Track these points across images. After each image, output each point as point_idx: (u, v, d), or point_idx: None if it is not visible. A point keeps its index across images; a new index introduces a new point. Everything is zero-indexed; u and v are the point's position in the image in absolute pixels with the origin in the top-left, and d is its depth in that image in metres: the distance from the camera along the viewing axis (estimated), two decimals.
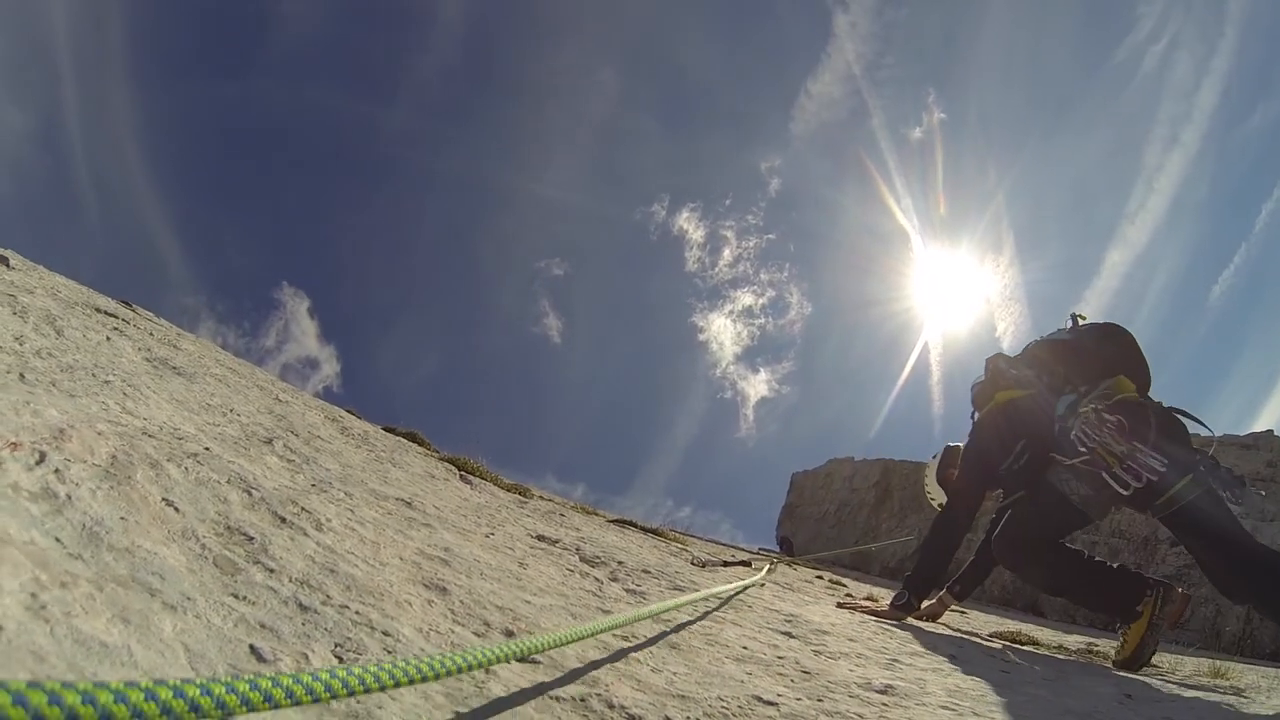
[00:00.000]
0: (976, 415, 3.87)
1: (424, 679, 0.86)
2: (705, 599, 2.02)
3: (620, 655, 1.67)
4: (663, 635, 1.97)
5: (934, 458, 4.35)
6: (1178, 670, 3.16)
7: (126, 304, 4.46)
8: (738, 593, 2.32)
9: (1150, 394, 3.38)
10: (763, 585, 3.71)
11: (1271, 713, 2.15)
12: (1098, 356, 3.38)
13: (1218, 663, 3.49)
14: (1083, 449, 3.07)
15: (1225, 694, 2.53)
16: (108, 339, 2.86)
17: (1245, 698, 2.47)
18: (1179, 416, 3.15)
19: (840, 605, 3.74)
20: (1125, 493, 2.97)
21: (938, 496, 4.24)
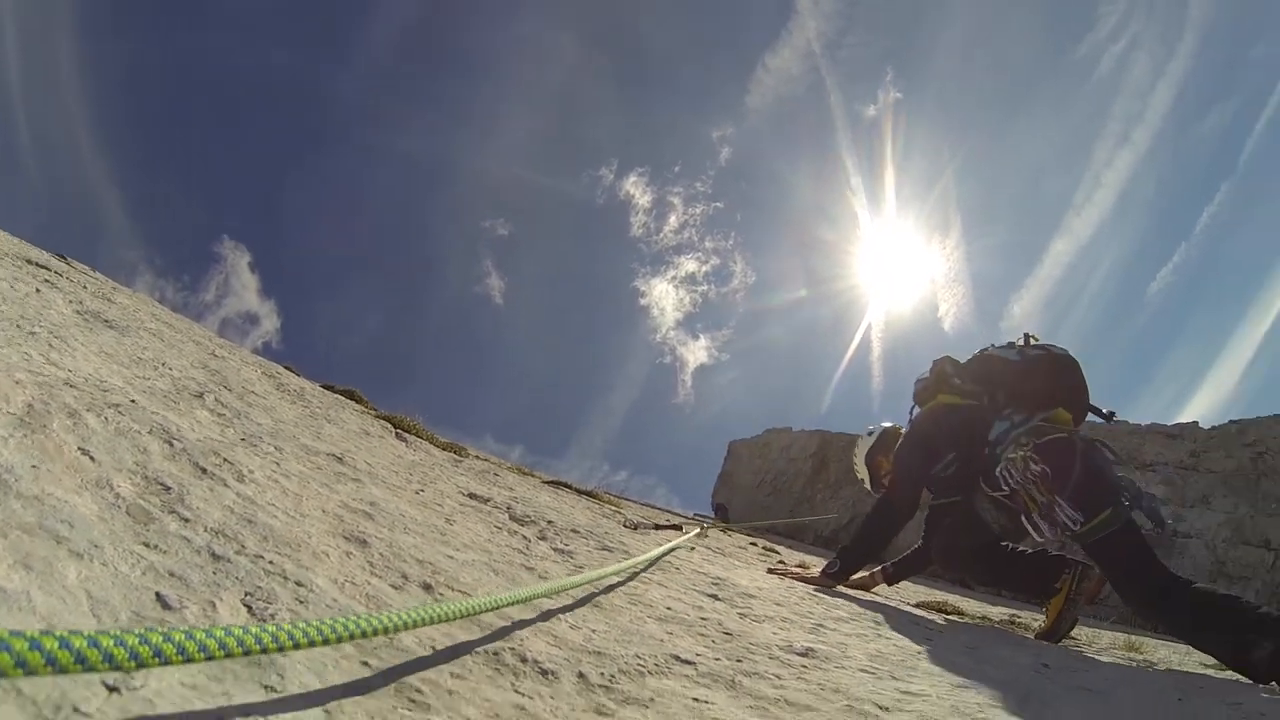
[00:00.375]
0: (916, 410, 3.98)
1: (330, 641, 0.88)
2: (634, 566, 2.05)
3: (540, 612, 1.70)
4: (590, 596, 2.00)
5: (868, 434, 4.43)
6: (1095, 643, 3.32)
7: (61, 257, 4.33)
8: (664, 554, 2.36)
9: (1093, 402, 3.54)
10: (692, 549, 3.78)
11: (1171, 691, 2.23)
12: (1042, 387, 3.46)
13: (1133, 638, 3.67)
14: (1005, 488, 3.20)
15: (1139, 666, 2.64)
16: (37, 290, 2.79)
17: (1156, 670, 2.58)
18: (1104, 447, 3.27)
19: (771, 571, 3.84)
20: (1039, 539, 3.14)
21: (864, 476, 4.39)
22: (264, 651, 0.80)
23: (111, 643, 0.67)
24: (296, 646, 0.84)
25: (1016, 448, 3.23)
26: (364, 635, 0.93)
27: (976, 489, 3.45)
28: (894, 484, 3.92)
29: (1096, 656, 2.80)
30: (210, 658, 0.75)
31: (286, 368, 4.18)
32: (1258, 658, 2.44)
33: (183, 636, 0.72)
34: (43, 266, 3.38)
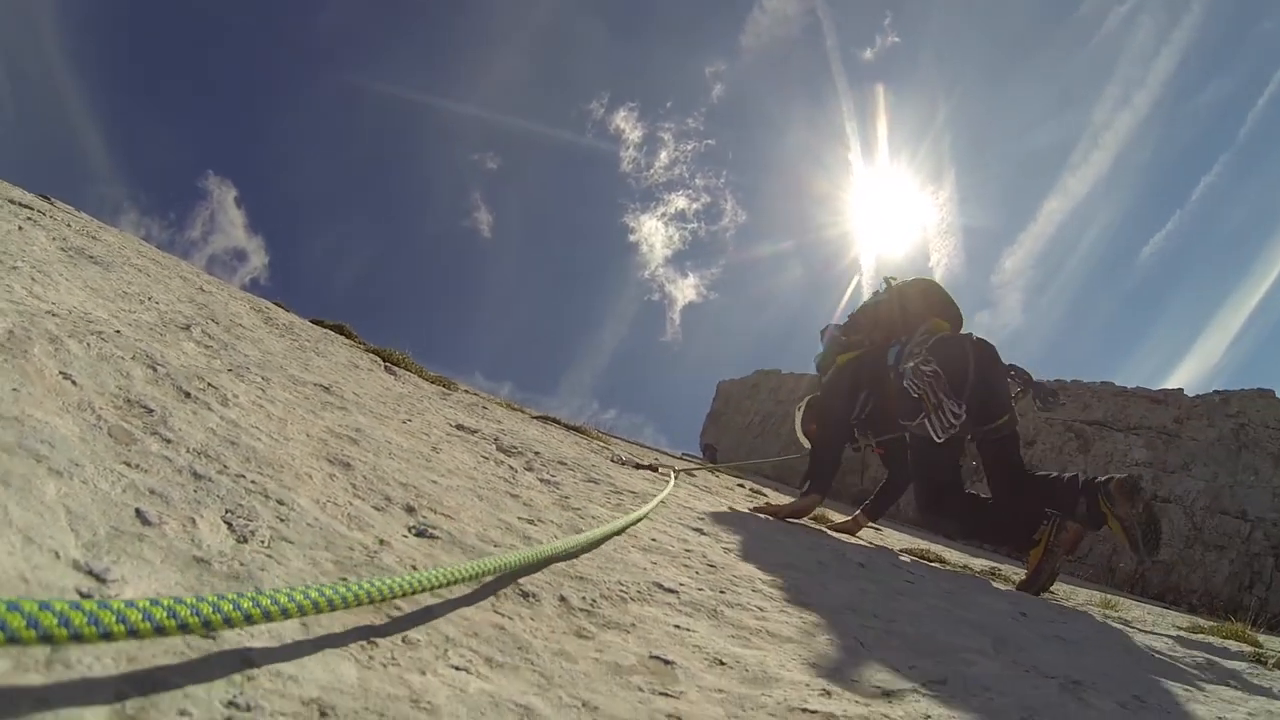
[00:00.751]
0: (824, 379, 4.38)
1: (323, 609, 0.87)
2: (620, 525, 2.07)
3: (522, 538, 1.71)
4: (572, 525, 2.02)
5: (799, 407, 4.72)
6: (1072, 599, 3.40)
7: (45, 197, 4.26)
8: (650, 510, 2.38)
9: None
10: (678, 475, 3.91)
11: (1147, 644, 2.28)
12: (912, 306, 3.93)
13: (1109, 596, 3.78)
14: (914, 395, 3.51)
15: (1114, 623, 2.69)
16: (19, 228, 2.74)
17: (1131, 628, 2.62)
18: (990, 345, 3.66)
19: (754, 510, 3.98)
20: (938, 439, 3.42)
21: (806, 444, 4.63)
22: (228, 625, 0.78)
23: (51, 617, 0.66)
24: (269, 619, 0.83)
25: (911, 358, 3.60)
26: (345, 605, 0.92)
27: (902, 421, 3.71)
28: (819, 430, 4.27)
29: (1074, 610, 2.86)
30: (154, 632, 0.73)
31: (276, 304, 4.15)
32: (1080, 515, 3.17)
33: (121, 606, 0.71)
34: (25, 206, 3.32)
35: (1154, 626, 2.93)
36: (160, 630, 0.70)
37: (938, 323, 3.81)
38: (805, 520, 3.98)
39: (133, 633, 0.69)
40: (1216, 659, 2.22)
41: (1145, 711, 1.57)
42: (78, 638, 0.65)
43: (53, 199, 4.35)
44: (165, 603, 0.72)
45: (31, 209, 3.31)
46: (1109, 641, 2.28)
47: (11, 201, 3.25)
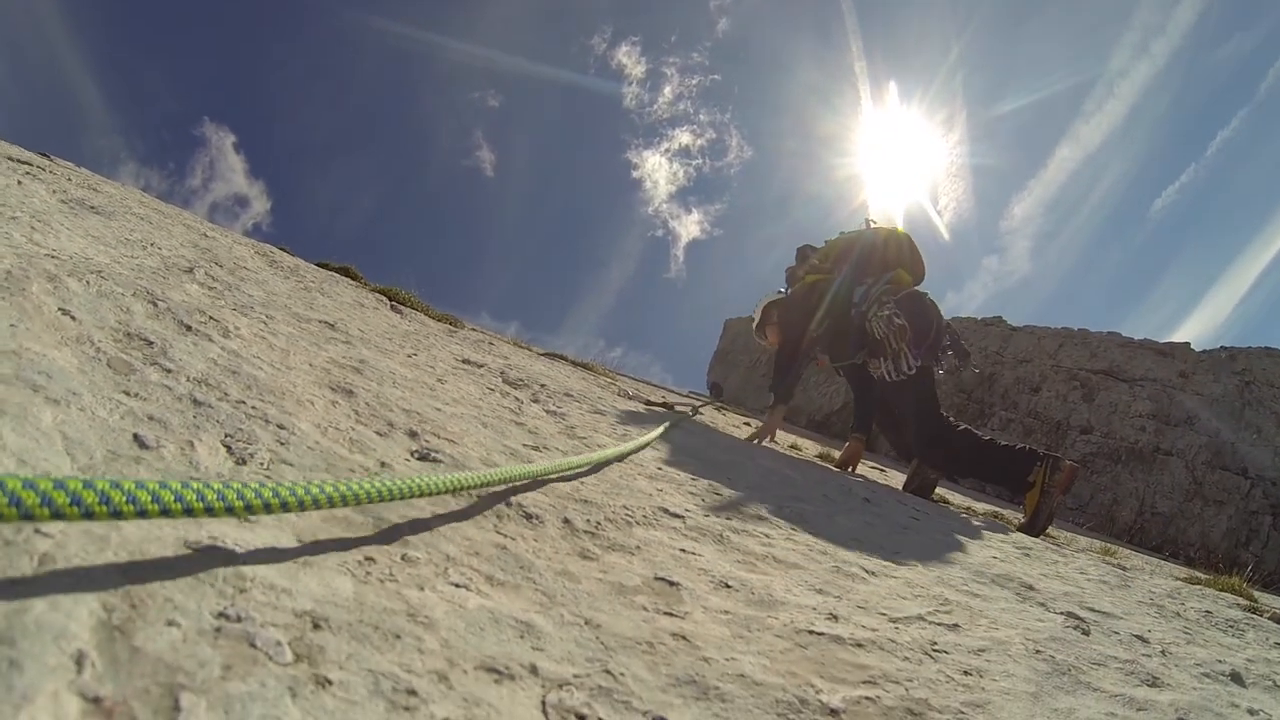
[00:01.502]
0: (789, 290, 4.89)
1: (322, 505, 0.87)
2: (635, 446, 2.09)
3: (527, 463, 1.71)
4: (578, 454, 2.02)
5: (758, 308, 5.25)
6: (1072, 544, 3.45)
7: (44, 155, 4.22)
8: (656, 437, 2.41)
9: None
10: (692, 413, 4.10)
11: (1148, 589, 2.32)
12: (882, 254, 4.36)
13: (1108, 545, 3.87)
14: (877, 337, 4.03)
15: (1113, 568, 2.73)
16: (19, 183, 2.72)
17: (1131, 573, 2.65)
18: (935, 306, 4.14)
19: (749, 439, 4.32)
20: (889, 380, 3.99)
21: (761, 341, 5.31)
22: (209, 513, 0.78)
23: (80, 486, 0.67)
24: (269, 510, 0.84)
25: (880, 306, 4.06)
26: (344, 502, 0.92)
27: (862, 351, 4.23)
28: (781, 342, 4.75)
29: (1074, 553, 2.91)
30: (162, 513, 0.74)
31: (280, 248, 4.14)
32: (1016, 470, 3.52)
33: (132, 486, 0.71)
34: (24, 162, 3.29)
35: (1152, 575, 2.97)
36: (142, 513, 0.70)
37: (901, 274, 4.25)
38: (813, 458, 4.23)
39: (115, 514, 0.69)
40: (1213, 608, 2.27)
41: (1147, 648, 1.59)
42: (59, 516, 0.65)
43: (52, 156, 4.32)
44: (150, 486, 0.72)
45: (30, 165, 3.28)
46: (1110, 584, 2.32)
47: (9, 159, 3.22)
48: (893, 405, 4.30)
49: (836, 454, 4.97)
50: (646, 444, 2.25)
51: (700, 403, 6.05)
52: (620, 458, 2.00)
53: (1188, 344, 14.95)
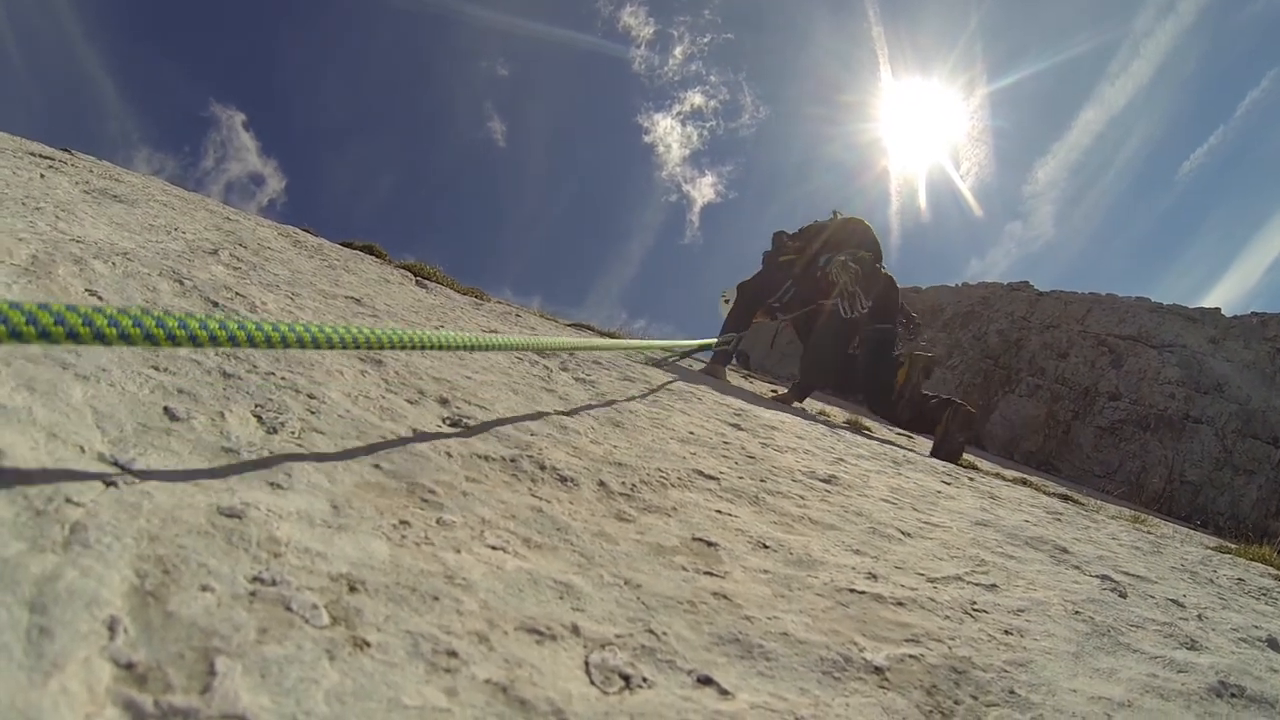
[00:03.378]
0: (764, 267, 5.50)
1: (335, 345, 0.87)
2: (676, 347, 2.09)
3: (559, 428, 1.69)
4: (611, 404, 2.00)
5: (727, 295, 5.74)
6: (1102, 511, 3.45)
7: (66, 150, 4.25)
8: (698, 349, 2.43)
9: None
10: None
11: (1179, 556, 2.30)
12: (847, 239, 5.09)
13: (1137, 513, 3.90)
14: (835, 280, 4.80)
15: (1144, 534, 2.70)
16: (41, 176, 2.73)
17: (1160, 542, 2.62)
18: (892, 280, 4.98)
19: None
20: (845, 316, 4.76)
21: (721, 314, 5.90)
22: (252, 344, 0.80)
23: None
24: (286, 345, 0.85)
25: (840, 259, 4.85)
26: (374, 345, 0.92)
27: (820, 309, 4.97)
28: (734, 305, 5.39)
29: (1105, 519, 2.91)
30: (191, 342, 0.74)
31: (304, 229, 4.14)
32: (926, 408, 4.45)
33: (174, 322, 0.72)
34: (45, 157, 3.30)
35: (1183, 543, 2.94)
36: (150, 339, 0.71)
37: (863, 255, 4.95)
38: (841, 424, 4.44)
39: (124, 337, 0.69)
40: (1245, 576, 2.27)
41: (1183, 612, 1.58)
42: (73, 337, 0.65)
43: (73, 150, 4.35)
44: (156, 314, 0.73)
45: (52, 159, 3.30)
46: (1142, 549, 2.32)
47: (31, 154, 3.23)
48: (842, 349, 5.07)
49: (866, 420, 5.57)
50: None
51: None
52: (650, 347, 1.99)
53: (1218, 309, 14.68)
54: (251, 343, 0.84)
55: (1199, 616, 1.59)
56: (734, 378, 5.48)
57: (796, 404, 4.99)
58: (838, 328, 4.88)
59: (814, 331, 5.11)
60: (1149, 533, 2.91)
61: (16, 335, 0.63)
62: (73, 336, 0.67)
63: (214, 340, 0.80)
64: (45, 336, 0.65)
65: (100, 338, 0.70)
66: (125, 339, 0.72)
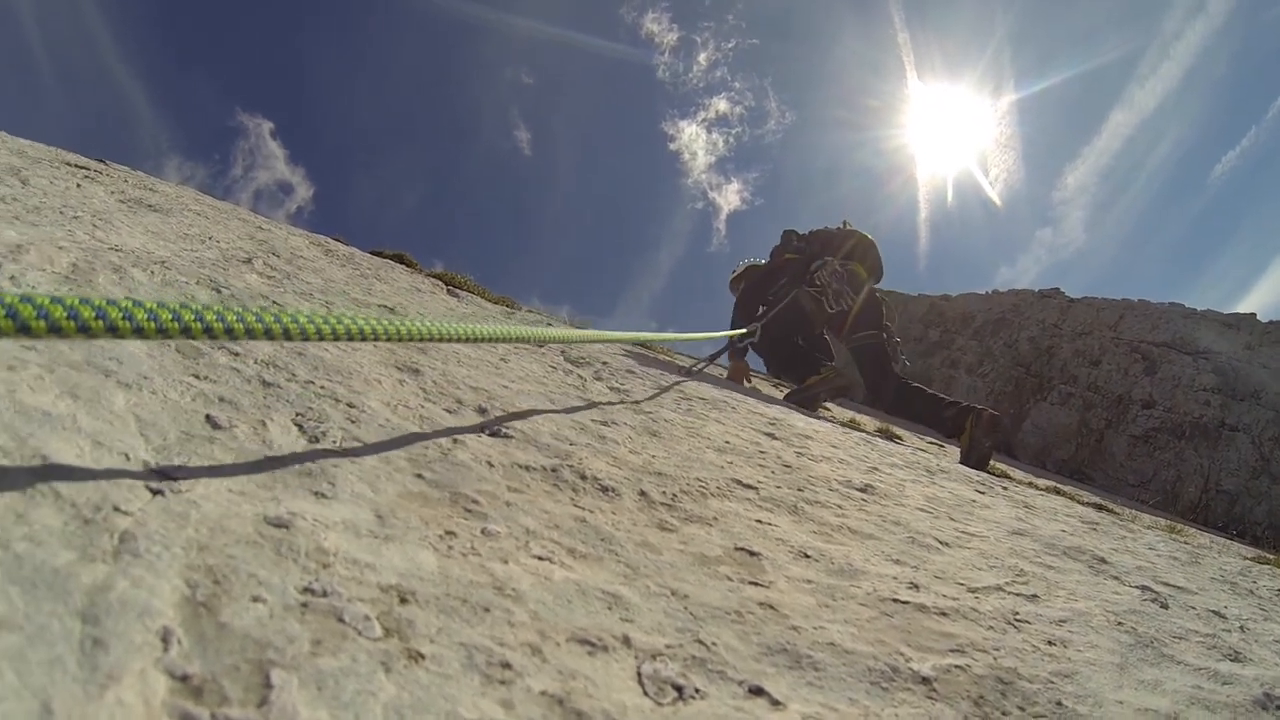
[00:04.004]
0: (770, 260, 5.74)
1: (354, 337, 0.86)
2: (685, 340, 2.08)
3: (597, 438, 1.68)
4: (644, 406, 1.99)
5: (740, 265, 6.15)
6: (1137, 520, 3.41)
7: (100, 160, 4.31)
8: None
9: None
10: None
11: (1218, 566, 2.26)
12: (851, 252, 5.28)
13: (1173, 523, 3.83)
14: (817, 279, 5.08)
15: (1181, 544, 2.66)
16: (78, 186, 2.76)
17: (1198, 552, 2.57)
18: (889, 305, 5.26)
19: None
20: (830, 310, 5.03)
21: (732, 292, 6.10)
22: (249, 335, 0.79)
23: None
24: (321, 337, 0.85)
25: (828, 265, 5.13)
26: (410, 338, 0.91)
27: (800, 291, 5.18)
28: (740, 297, 5.68)
29: (1141, 529, 2.86)
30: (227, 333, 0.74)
31: (335, 238, 4.18)
32: (945, 415, 4.29)
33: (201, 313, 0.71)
34: (81, 167, 3.35)
35: (1221, 553, 2.88)
36: (181, 331, 0.71)
37: (858, 267, 5.24)
38: (873, 433, 4.34)
39: (162, 331, 0.69)
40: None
41: (1225, 624, 1.56)
42: (85, 330, 0.65)
43: (107, 161, 4.41)
44: (190, 308, 0.72)
45: (88, 169, 3.34)
46: (1180, 560, 2.27)
47: (68, 164, 3.28)
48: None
49: (897, 429, 5.50)
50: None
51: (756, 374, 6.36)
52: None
53: (1253, 314, 14.42)
54: (269, 335, 0.84)
55: (1241, 628, 1.56)
56: (762, 385, 5.49)
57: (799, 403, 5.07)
58: (792, 318, 5.23)
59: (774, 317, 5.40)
60: (1186, 543, 2.86)
61: (25, 330, 0.62)
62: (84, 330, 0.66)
63: (230, 333, 0.79)
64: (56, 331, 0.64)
65: (113, 329, 0.69)
66: (139, 332, 0.71)
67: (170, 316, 0.73)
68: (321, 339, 0.92)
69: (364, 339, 0.98)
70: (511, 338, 1.42)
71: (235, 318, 0.79)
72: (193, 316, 0.75)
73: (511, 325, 1.76)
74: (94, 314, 0.67)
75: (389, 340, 1.03)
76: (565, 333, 1.73)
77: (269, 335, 0.83)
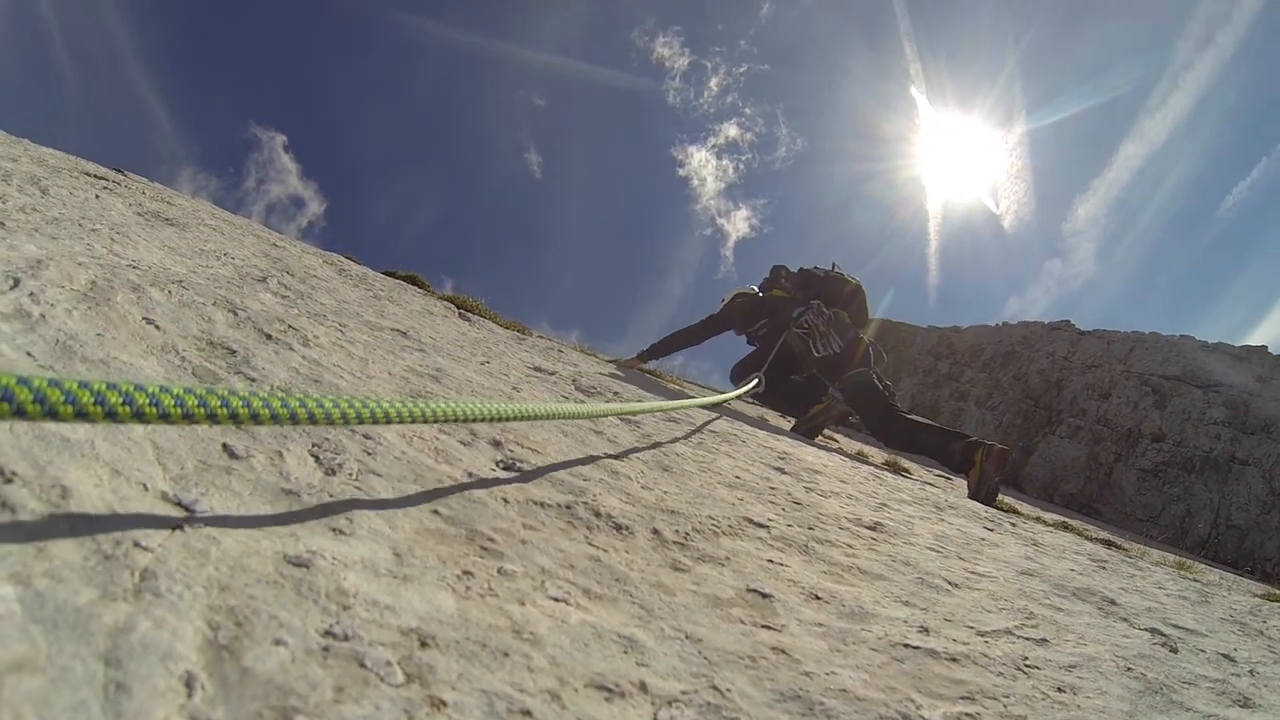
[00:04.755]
0: (760, 292, 5.86)
1: (404, 420, 0.86)
2: (718, 399, 2.07)
3: (610, 473, 1.68)
4: (657, 445, 1.98)
5: (730, 291, 6.09)
6: (1146, 556, 3.40)
7: (119, 170, 4.34)
8: (731, 398, 2.41)
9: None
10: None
11: (1228, 606, 2.24)
12: (833, 295, 5.46)
13: (1182, 559, 3.83)
14: (804, 323, 5.18)
15: (1190, 582, 2.65)
16: (96, 197, 2.78)
17: (1207, 590, 2.56)
18: (876, 348, 5.27)
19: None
20: (816, 354, 5.11)
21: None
22: (312, 421, 0.79)
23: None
24: (360, 421, 0.85)
25: (813, 311, 5.21)
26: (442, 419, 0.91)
27: (788, 329, 5.29)
28: (699, 323, 5.70)
29: (1150, 566, 2.85)
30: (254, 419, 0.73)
31: (347, 257, 4.19)
32: (953, 449, 4.23)
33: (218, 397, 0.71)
34: (100, 178, 3.38)
35: (1230, 590, 2.86)
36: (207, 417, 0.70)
37: (842, 314, 5.36)
38: (880, 465, 4.34)
39: (163, 417, 0.68)
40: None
41: (1235, 668, 1.55)
42: (112, 416, 0.64)
43: (125, 171, 4.44)
44: (215, 393, 0.71)
45: (106, 180, 3.37)
46: (1190, 599, 2.26)
47: (87, 174, 3.30)
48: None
49: (904, 462, 5.50)
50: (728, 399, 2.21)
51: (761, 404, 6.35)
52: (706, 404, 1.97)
53: (1264, 347, 14.33)
54: (313, 419, 0.84)
55: (1251, 672, 1.55)
56: (769, 416, 5.49)
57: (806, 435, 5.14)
58: (784, 358, 5.33)
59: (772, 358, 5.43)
60: (1195, 580, 2.83)
61: (21, 413, 0.61)
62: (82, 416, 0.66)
63: (256, 418, 0.79)
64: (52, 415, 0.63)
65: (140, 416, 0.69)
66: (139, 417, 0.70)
67: (196, 403, 0.73)
68: (375, 423, 0.93)
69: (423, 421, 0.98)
70: (561, 415, 1.43)
71: (261, 403, 0.79)
72: (219, 403, 0.75)
73: (564, 404, 1.76)
74: (120, 399, 0.67)
75: (452, 421, 1.04)
76: (604, 408, 1.73)
77: (294, 420, 0.83)
